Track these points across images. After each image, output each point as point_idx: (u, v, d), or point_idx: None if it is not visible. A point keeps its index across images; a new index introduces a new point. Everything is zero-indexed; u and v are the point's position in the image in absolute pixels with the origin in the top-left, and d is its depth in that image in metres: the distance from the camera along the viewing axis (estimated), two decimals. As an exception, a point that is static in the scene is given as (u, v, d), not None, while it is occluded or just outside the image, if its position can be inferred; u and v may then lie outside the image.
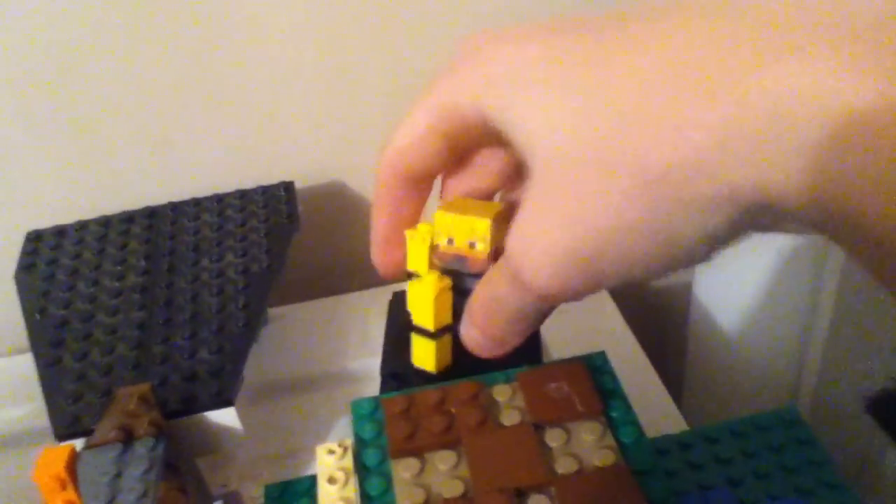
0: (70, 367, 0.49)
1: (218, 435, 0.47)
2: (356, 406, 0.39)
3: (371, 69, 0.68)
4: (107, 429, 0.44)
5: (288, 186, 0.62)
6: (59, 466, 0.42)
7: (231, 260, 0.55)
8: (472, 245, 0.33)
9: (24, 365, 0.54)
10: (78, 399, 0.47)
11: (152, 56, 0.64)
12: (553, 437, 0.35)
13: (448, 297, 0.35)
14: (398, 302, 0.58)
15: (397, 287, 0.43)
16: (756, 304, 0.74)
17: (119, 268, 0.57)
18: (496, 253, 0.32)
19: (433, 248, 0.34)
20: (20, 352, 0.67)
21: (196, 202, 0.62)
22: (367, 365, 0.64)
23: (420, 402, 0.37)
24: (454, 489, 0.33)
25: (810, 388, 0.75)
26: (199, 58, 0.64)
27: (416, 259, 0.35)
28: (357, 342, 0.67)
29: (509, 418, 0.36)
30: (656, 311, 0.88)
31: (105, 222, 0.61)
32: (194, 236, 0.59)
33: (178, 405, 0.46)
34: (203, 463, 0.52)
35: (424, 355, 0.38)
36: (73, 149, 0.66)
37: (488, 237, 0.32)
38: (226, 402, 0.46)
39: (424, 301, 0.35)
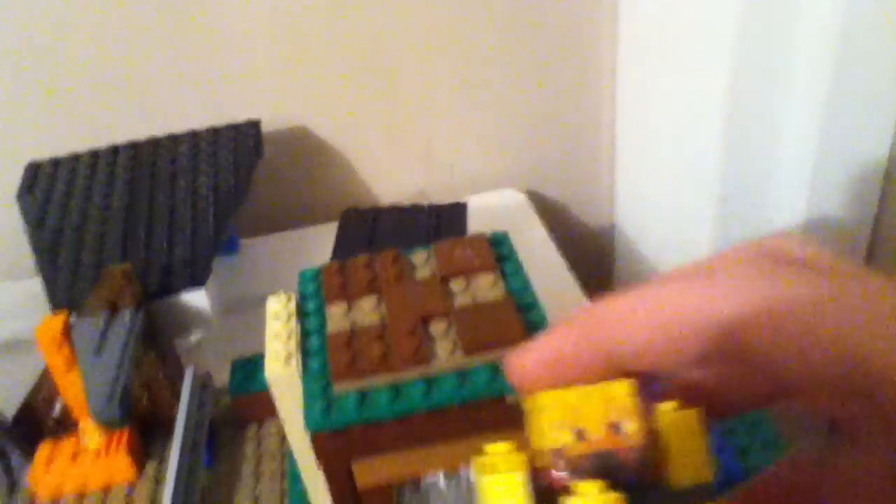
0: (64, 259, 0.58)
1: (191, 315, 0.56)
2: (302, 274, 0.48)
3: (333, 25, 0.77)
4: (95, 302, 0.52)
5: (255, 124, 0.71)
6: (57, 329, 0.51)
7: (203, 181, 0.64)
8: (615, 428, 0.21)
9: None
10: (71, 282, 0.56)
11: (136, 8, 0.73)
12: (456, 285, 0.43)
13: None
14: (350, 218, 0.68)
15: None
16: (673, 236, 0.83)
17: (107, 189, 0.65)
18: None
19: (553, 456, 0.21)
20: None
21: (173, 138, 0.71)
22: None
23: (351, 264, 0.46)
24: (373, 320, 0.42)
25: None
26: (177, 10, 0.73)
27: None
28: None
29: (421, 273, 0.45)
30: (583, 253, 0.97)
31: (94, 154, 0.70)
32: (172, 164, 0.67)
33: (156, 288, 0.55)
34: (180, 352, 0.61)
35: None
36: (66, 93, 0.75)
37: (639, 409, 0.21)
38: (197, 284, 0.54)
39: None
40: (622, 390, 0.22)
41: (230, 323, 0.68)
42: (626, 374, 0.22)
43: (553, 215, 0.91)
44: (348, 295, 0.44)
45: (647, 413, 0.22)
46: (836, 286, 0.20)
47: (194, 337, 0.66)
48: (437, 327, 0.41)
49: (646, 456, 0.21)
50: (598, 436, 0.21)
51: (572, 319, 0.23)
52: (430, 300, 0.42)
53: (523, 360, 0.23)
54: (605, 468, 0.21)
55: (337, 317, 0.42)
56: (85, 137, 0.74)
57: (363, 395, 0.39)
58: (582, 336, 0.22)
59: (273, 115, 0.78)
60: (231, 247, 0.78)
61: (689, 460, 0.22)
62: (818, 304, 0.20)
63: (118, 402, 0.44)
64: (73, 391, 0.54)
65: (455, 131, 0.85)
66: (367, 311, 0.42)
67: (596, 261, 0.96)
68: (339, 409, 0.38)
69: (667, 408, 0.22)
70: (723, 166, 0.74)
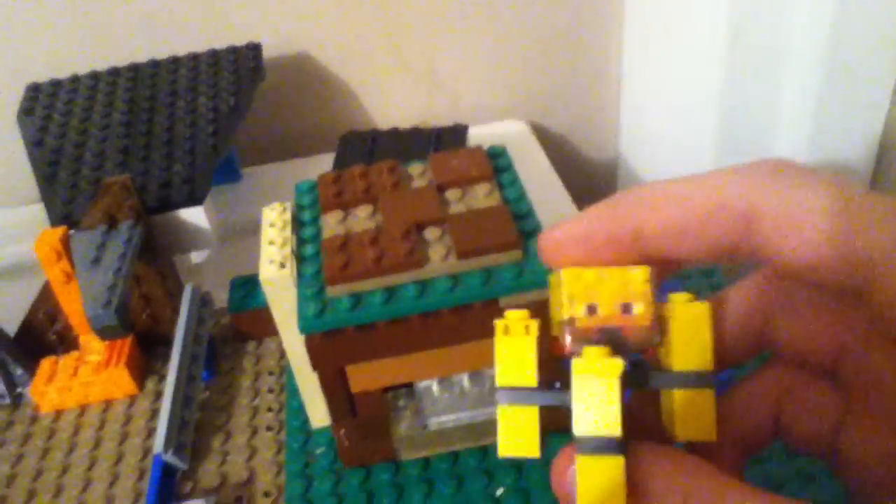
0: (63, 176, 0.58)
1: (190, 233, 0.56)
2: (298, 186, 0.48)
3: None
4: (94, 216, 0.52)
5: (255, 46, 0.71)
6: (55, 241, 0.51)
7: (203, 102, 0.64)
8: (626, 309, 0.23)
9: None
10: (70, 198, 0.56)
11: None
12: (451, 194, 0.43)
13: (623, 388, 0.22)
14: (349, 141, 0.67)
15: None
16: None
17: (107, 109, 0.65)
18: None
19: (565, 325, 0.23)
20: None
21: (174, 59, 0.70)
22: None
23: (347, 174, 0.46)
24: (368, 227, 0.42)
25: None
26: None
27: (516, 368, 0.23)
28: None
29: (418, 184, 0.44)
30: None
31: (94, 75, 0.70)
32: (172, 85, 0.67)
33: (155, 204, 0.55)
34: (181, 272, 0.61)
35: (598, 487, 0.21)
36: (69, 14, 0.75)
37: (650, 294, 0.23)
38: (196, 202, 0.54)
39: (603, 393, 0.22)
40: (638, 275, 0.23)
41: (231, 249, 0.68)
42: (650, 260, 0.24)
43: (557, 147, 0.91)
44: (344, 204, 0.43)
45: (658, 300, 0.23)
46: (839, 189, 0.21)
47: (195, 257, 0.66)
48: (431, 233, 0.41)
49: (651, 338, 0.23)
50: (608, 312, 0.23)
51: (604, 201, 0.24)
52: (424, 207, 0.42)
53: (555, 235, 0.25)
54: (612, 343, 0.23)
55: (332, 224, 0.42)
56: (86, 60, 0.74)
57: (357, 298, 0.39)
58: (612, 215, 0.24)
59: (274, 41, 0.78)
60: (232, 175, 0.78)
61: (694, 349, 0.23)
62: (828, 204, 0.21)
63: (114, 308, 0.45)
64: (73, 306, 0.55)
65: (459, 59, 0.84)
66: (363, 218, 0.42)
67: (600, 193, 0.95)
68: (332, 311, 0.38)
69: (680, 298, 0.24)
70: (726, 100, 0.73)
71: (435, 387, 0.43)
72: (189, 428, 0.49)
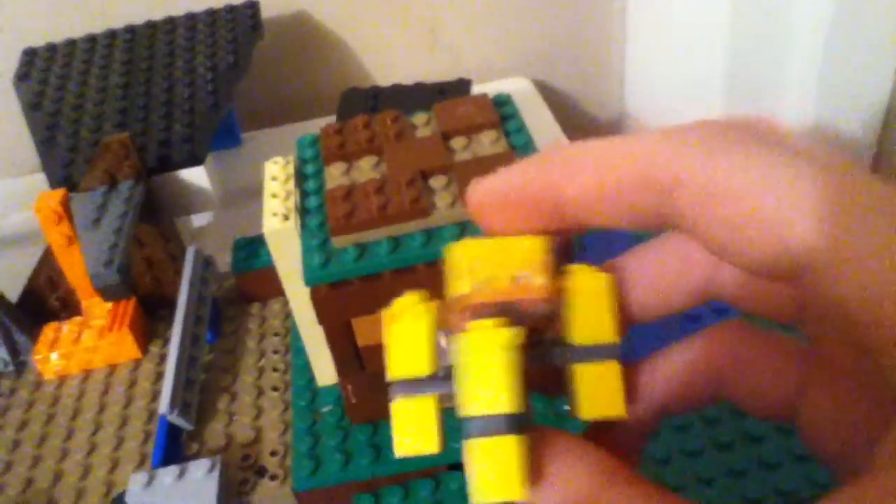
0: (62, 138, 0.57)
1: (192, 194, 0.55)
2: (300, 140, 0.47)
3: None
4: (93, 177, 0.51)
5: (252, 4, 0.69)
6: (56, 202, 0.50)
7: (201, 61, 0.63)
8: (520, 280, 0.20)
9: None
10: (69, 161, 0.55)
11: None
12: (457, 142, 0.42)
13: (519, 361, 0.20)
14: (350, 97, 0.66)
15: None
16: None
17: (104, 72, 0.64)
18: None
19: (456, 302, 0.21)
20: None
21: (170, 20, 0.69)
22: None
23: (350, 125, 0.44)
24: (372, 177, 0.41)
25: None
26: None
27: (408, 357, 0.21)
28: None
29: (422, 133, 0.43)
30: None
31: (91, 39, 0.68)
32: (169, 46, 0.66)
33: (155, 164, 0.54)
34: (184, 235, 0.60)
35: (492, 468, 0.19)
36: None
37: (547, 264, 0.21)
38: (196, 161, 0.53)
39: (491, 366, 0.19)
40: (535, 245, 0.21)
41: (233, 213, 0.67)
42: (571, 225, 0.22)
43: (561, 105, 0.89)
44: (347, 155, 0.42)
45: (557, 271, 0.21)
46: (785, 167, 0.18)
47: (197, 221, 0.65)
48: (437, 181, 0.40)
49: (550, 311, 0.21)
50: (503, 286, 0.20)
51: (528, 161, 0.22)
52: (430, 156, 0.41)
53: (478, 190, 0.22)
54: (509, 318, 0.20)
55: (335, 176, 0.41)
56: (82, 24, 0.72)
57: (362, 248, 0.38)
58: (535, 173, 0.21)
59: (273, 0, 0.76)
60: (233, 139, 0.77)
61: (595, 321, 0.21)
62: (757, 181, 0.18)
63: (116, 267, 0.44)
64: (75, 270, 0.54)
65: (462, 16, 0.83)
66: (367, 169, 0.41)
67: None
68: (337, 261, 0.38)
69: (579, 269, 0.22)
70: (733, 54, 0.72)
71: (442, 339, 0.42)
72: (194, 388, 0.48)
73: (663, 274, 0.23)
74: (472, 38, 0.84)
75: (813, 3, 0.68)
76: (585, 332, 0.21)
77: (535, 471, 0.19)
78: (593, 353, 0.21)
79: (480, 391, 0.19)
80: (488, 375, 0.19)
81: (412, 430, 0.20)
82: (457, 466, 0.42)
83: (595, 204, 0.21)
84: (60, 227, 0.50)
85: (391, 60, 0.84)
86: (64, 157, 0.56)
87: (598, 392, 0.21)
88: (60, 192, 0.51)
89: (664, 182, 0.20)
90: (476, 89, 0.75)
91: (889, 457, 0.17)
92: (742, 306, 0.23)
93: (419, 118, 0.45)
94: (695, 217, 0.19)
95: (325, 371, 0.45)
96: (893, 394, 0.18)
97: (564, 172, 0.21)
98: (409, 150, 0.42)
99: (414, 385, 0.21)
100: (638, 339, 0.25)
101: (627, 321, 0.22)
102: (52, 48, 0.68)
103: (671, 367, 0.23)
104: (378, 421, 0.43)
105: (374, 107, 0.63)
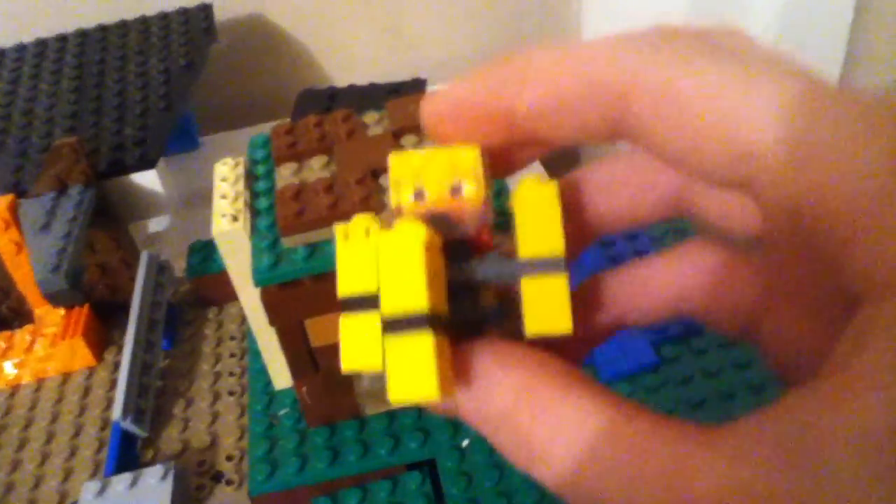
0: (10, 144, 0.56)
1: (144, 198, 0.54)
2: (252, 140, 0.47)
3: None
4: (43, 182, 0.50)
5: (206, 7, 0.69)
6: (3, 209, 0.49)
7: (154, 63, 0.62)
8: (456, 191, 0.20)
9: None
10: (19, 165, 0.54)
11: None
12: (408, 140, 0.42)
13: (441, 264, 0.20)
14: (305, 98, 0.65)
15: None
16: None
17: (55, 76, 0.63)
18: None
19: (393, 214, 0.21)
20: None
21: (123, 23, 0.68)
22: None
23: (301, 125, 0.44)
24: (322, 176, 0.40)
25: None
26: None
27: (357, 276, 0.20)
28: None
29: (374, 131, 0.43)
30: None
31: (41, 43, 0.67)
32: (122, 49, 0.65)
33: (107, 168, 0.53)
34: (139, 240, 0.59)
35: (407, 367, 0.19)
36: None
37: (480, 173, 0.21)
38: (149, 164, 0.52)
39: (406, 262, 0.19)
40: (468, 154, 0.21)
41: (191, 217, 0.66)
42: (525, 137, 0.21)
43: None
44: (298, 155, 0.42)
45: (489, 180, 0.21)
46: (742, 68, 0.18)
47: (153, 226, 0.64)
48: (387, 179, 0.39)
49: (481, 218, 0.21)
50: (436, 196, 0.20)
51: (485, 66, 0.21)
52: (380, 154, 0.41)
53: (432, 100, 0.21)
54: (442, 228, 0.20)
55: (286, 176, 0.41)
56: (32, 29, 0.71)
57: (312, 248, 0.37)
58: (487, 83, 0.20)
59: (228, 2, 0.75)
60: (190, 143, 0.76)
61: (540, 233, 0.21)
62: (714, 83, 0.18)
63: (64, 272, 0.43)
64: (25, 277, 0.53)
65: (423, 14, 0.82)
66: (317, 168, 0.41)
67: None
68: (287, 261, 0.37)
69: (526, 181, 0.21)
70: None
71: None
72: (149, 395, 0.48)
73: (627, 184, 0.22)
74: (432, 37, 0.84)
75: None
76: (530, 246, 0.21)
77: (463, 373, 0.19)
78: (537, 266, 0.21)
79: (395, 288, 0.19)
80: (402, 272, 0.19)
81: (358, 347, 0.20)
82: (415, 466, 0.42)
83: (546, 115, 0.20)
84: (8, 233, 0.49)
85: (351, 61, 0.83)
86: (13, 162, 0.55)
87: (543, 307, 0.21)
88: (8, 197, 0.50)
89: (616, 86, 0.19)
90: (435, 88, 0.75)
91: (837, 363, 0.16)
92: (708, 223, 0.22)
93: (370, 117, 0.44)
94: (650, 125, 0.19)
95: (281, 374, 0.45)
96: (848, 296, 0.17)
97: (515, 82, 0.20)
98: (360, 149, 0.41)
99: (361, 301, 0.20)
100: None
101: (592, 232, 0.22)
102: (1, 53, 0.67)
103: (634, 279, 0.23)
104: (335, 423, 0.43)
105: (329, 107, 0.62)
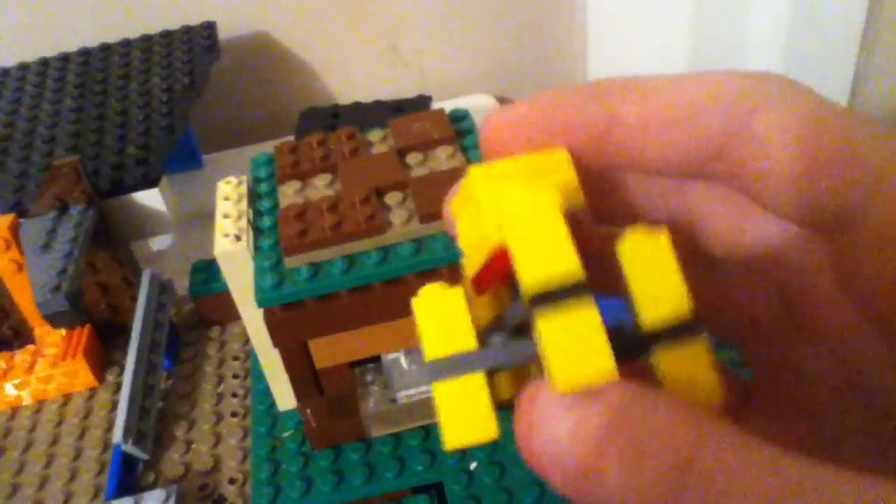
0: (11, 163, 0.55)
1: (146, 217, 0.54)
2: (255, 159, 0.46)
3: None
4: (43, 202, 0.50)
5: (209, 25, 0.68)
6: (3, 228, 0.49)
7: (157, 82, 0.62)
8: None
9: None
10: (20, 185, 0.53)
11: None
12: (412, 158, 0.41)
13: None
14: (309, 116, 0.65)
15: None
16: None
17: (57, 95, 0.63)
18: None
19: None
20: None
21: (126, 42, 0.68)
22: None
23: (305, 143, 0.43)
24: (326, 195, 0.40)
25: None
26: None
27: (445, 333, 0.18)
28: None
29: (377, 149, 0.43)
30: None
31: (44, 62, 0.67)
32: (124, 68, 0.65)
33: (108, 187, 0.52)
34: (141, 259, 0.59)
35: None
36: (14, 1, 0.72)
37: (575, 174, 0.18)
38: (150, 183, 0.52)
39: (543, 222, 0.17)
40: (559, 156, 0.19)
41: (193, 236, 0.66)
42: (613, 158, 0.19)
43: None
44: (301, 173, 0.42)
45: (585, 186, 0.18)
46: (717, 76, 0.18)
47: (156, 245, 0.64)
48: (392, 198, 0.39)
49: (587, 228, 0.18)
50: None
51: (576, 85, 0.19)
52: (385, 172, 0.40)
53: (503, 114, 0.19)
54: None
55: (289, 194, 0.40)
56: (35, 48, 0.71)
57: (316, 268, 0.37)
58: (587, 98, 0.19)
59: (231, 21, 0.75)
60: (193, 161, 0.75)
61: (663, 293, 0.17)
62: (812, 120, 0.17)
63: (65, 292, 0.42)
64: (25, 297, 0.52)
65: (423, 33, 0.82)
66: (321, 187, 0.41)
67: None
68: (290, 282, 0.36)
69: (630, 232, 0.18)
70: (692, 70, 0.72)
71: (403, 359, 0.41)
72: (150, 417, 0.47)
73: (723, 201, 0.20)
74: (434, 54, 0.84)
75: (769, 33, 0.68)
76: (654, 311, 0.17)
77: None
78: (670, 334, 0.17)
79: (537, 254, 0.16)
80: (540, 234, 0.16)
81: (463, 417, 0.17)
82: (422, 490, 0.41)
83: (659, 130, 0.18)
84: (9, 253, 0.49)
85: (353, 79, 0.83)
86: (14, 182, 0.55)
87: (686, 377, 0.17)
88: (9, 217, 0.49)
89: (739, 109, 0.18)
90: (437, 106, 0.75)
91: None
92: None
93: (375, 134, 0.44)
94: (755, 154, 0.18)
95: (284, 395, 0.44)
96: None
97: (626, 97, 0.19)
98: (364, 167, 0.41)
99: (457, 362, 0.17)
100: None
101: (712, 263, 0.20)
102: (4, 72, 0.67)
103: None
104: (340, 445, 0.42)
105: (332, 125, 0.62)
